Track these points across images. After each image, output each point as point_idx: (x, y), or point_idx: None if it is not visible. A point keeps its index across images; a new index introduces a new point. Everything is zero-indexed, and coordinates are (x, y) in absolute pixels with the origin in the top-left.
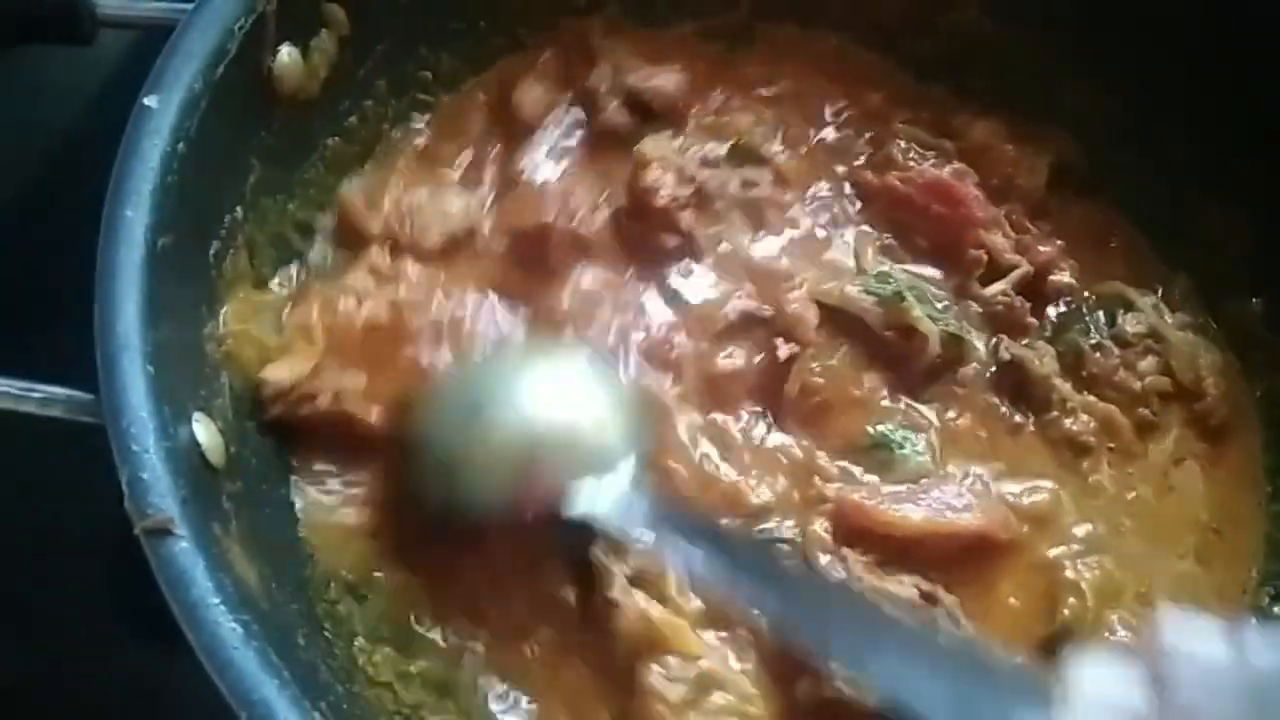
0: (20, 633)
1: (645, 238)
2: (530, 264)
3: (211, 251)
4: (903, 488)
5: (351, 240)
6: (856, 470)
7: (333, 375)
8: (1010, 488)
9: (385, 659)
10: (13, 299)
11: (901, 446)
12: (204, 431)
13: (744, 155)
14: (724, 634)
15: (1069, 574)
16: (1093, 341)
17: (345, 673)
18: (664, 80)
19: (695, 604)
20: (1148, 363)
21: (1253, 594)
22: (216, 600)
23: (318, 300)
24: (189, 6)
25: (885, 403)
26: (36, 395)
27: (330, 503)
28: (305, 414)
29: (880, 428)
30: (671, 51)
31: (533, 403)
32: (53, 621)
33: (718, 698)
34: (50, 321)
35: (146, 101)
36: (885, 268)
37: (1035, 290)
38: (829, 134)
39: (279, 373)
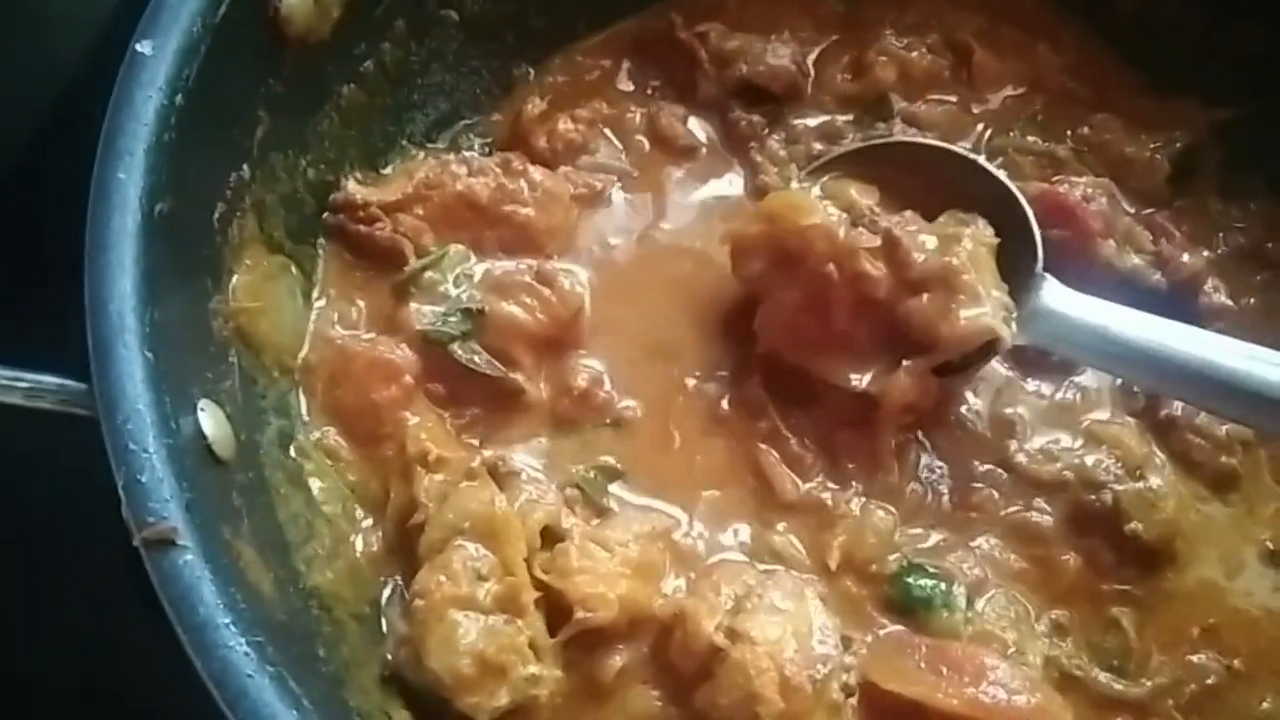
0: (37, 615)
1: None
2: None
3: (216, 215)
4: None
5: (510, 143)
6: None
7: (405, 217)
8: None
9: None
10: (3, 271)
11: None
12: (211, 421)
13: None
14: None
15: None
16: None
17: (364, 692)
18: (776, 57)
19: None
20: None
21: None
22: (227, 620)
23: (435, 158)
24: None
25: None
26: (23, 385)
27: None
28: (362, 232)
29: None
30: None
31: None
32: (70, 604)
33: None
34: (44, 298)
35: (139, 48)
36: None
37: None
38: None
39: (361, 189)
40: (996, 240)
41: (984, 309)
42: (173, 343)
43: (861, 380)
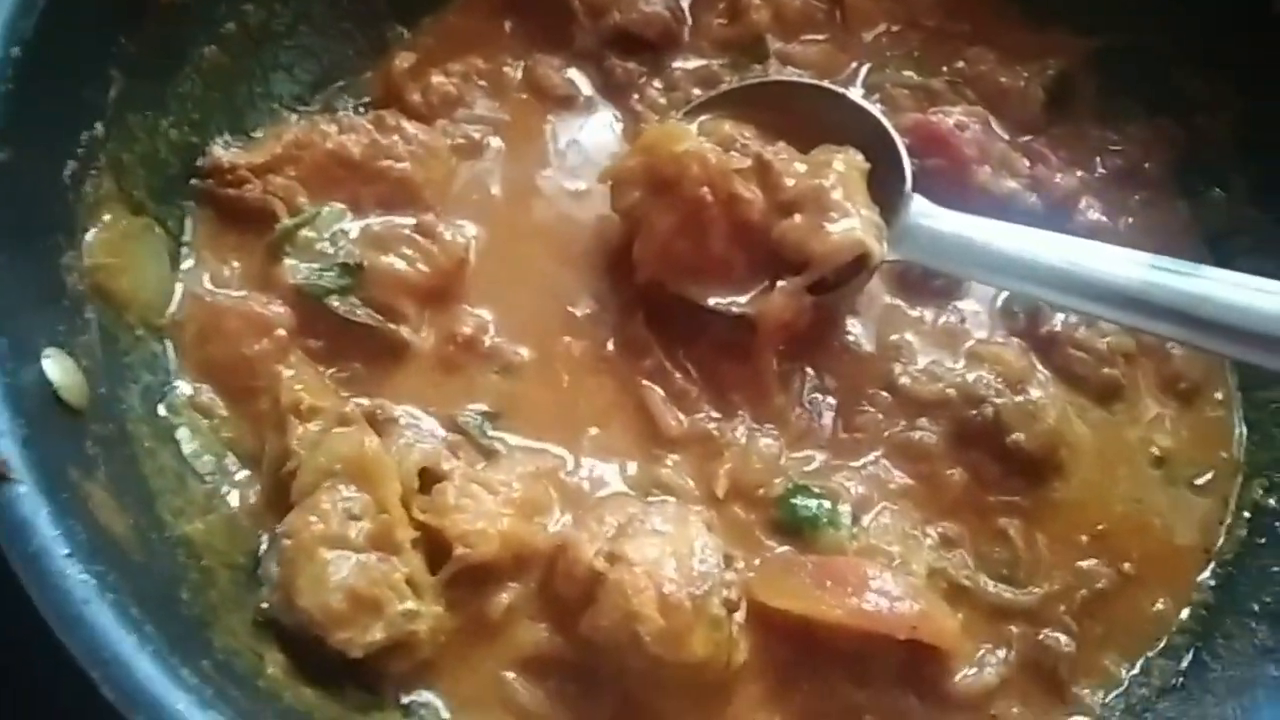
0: None
1: None
2: None
3: (67, 172)
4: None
5: (384, 100)
6: None
7: (276, 178)
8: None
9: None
10: None
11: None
12: (58, 369)
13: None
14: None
15: None
16: None
17: (233, 634)
18: (649, 5)
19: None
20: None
21: None
22: (64, 550)
23: (305, 120)
24: None
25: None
26: None
27: None
28: (231, 195)
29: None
30: None
31: None
32: None
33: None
34: None
35: None
36: None
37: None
38: None
39: (227, 153)
40: (867, 165)
41: (853, 224)
42: (14, 291)
43: (739, 302)
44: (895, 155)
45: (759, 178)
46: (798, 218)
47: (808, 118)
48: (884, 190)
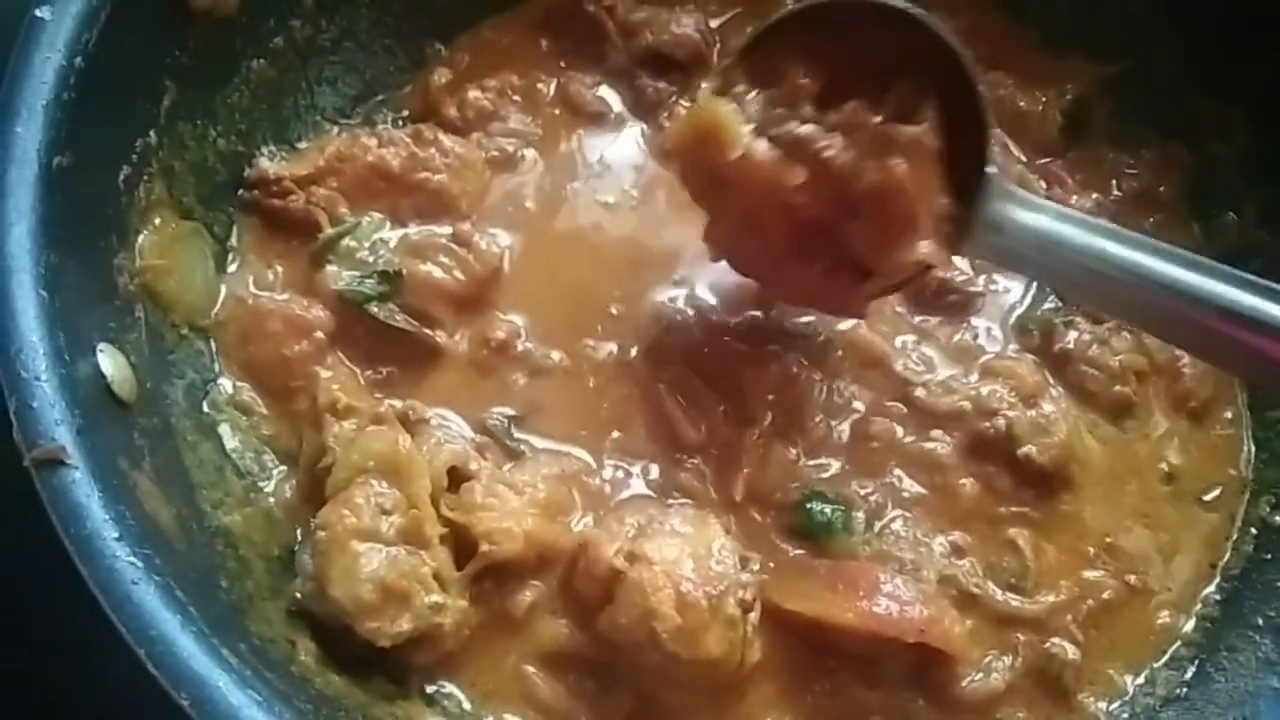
0: None
1: None
2: None
3: (121, 177)
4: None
5: (422, 114)
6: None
7: (319, 189)
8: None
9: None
10: None
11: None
12: (111, 364)
13: None
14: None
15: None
16: (1065, 319)
17: (268, 622)
18: (680, 27)
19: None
20: (1122, 340)
21: None
22: (114, 534)
23: (347, 133)
24: None
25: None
26: None
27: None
28: (276, 205)
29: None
30: None
31: None
32: None
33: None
34: None
35: (38, 13)
36: None
37: None
38: None
39: (272, 165)
40: (938, 146)
41: (921, 241)
42: (71, 288)
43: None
44: (976, 110)
45: (817, 181)
46: (861, 222)
47: (878, 47)
48: (961, 160)
